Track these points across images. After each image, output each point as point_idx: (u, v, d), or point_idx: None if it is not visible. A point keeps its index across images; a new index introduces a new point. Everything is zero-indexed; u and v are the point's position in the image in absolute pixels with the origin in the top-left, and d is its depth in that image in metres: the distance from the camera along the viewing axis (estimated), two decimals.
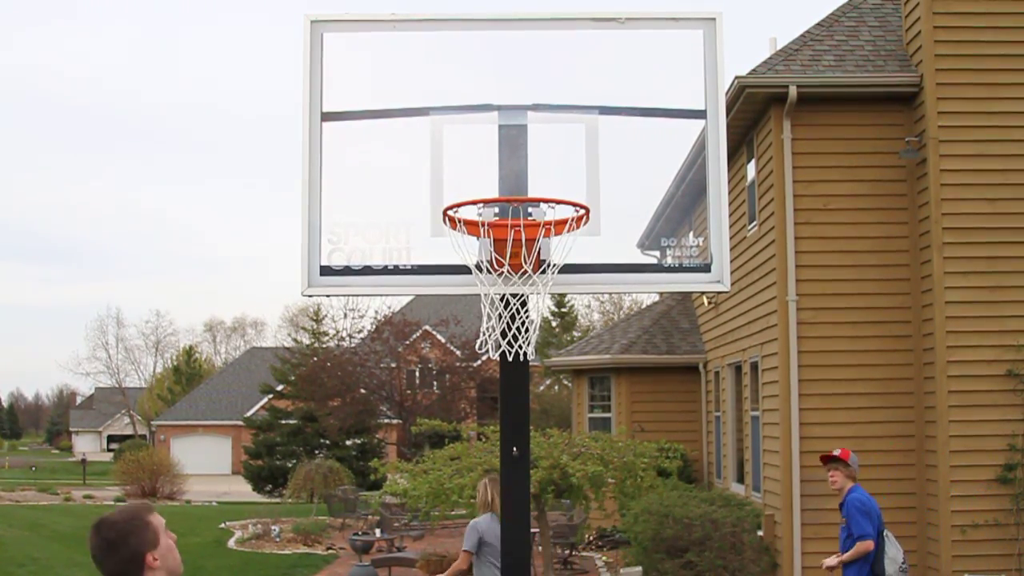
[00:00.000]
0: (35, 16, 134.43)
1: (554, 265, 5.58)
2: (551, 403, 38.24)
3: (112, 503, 35.33)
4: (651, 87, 5.92)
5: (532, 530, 13.08)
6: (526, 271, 5.52)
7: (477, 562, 8.41)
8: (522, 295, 5.59)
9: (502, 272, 5.50)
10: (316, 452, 35.64)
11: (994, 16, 12.96)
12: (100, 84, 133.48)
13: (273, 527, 22.47)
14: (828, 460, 9.02)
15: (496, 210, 5.60)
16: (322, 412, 35.12)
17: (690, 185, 14.79)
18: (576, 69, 6.02)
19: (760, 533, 14.12)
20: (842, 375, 13.46)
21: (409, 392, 35.99)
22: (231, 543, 21.57)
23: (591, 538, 19.68)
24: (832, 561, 8.82)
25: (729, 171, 6.11)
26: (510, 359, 5.58)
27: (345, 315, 39.96)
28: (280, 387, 40.08)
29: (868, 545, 8.55)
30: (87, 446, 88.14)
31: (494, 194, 5.72)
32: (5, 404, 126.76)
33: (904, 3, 14.01)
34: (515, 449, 5.62)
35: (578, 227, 5.59)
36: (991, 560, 12.32)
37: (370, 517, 23.78)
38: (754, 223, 15.37)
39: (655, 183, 6.54)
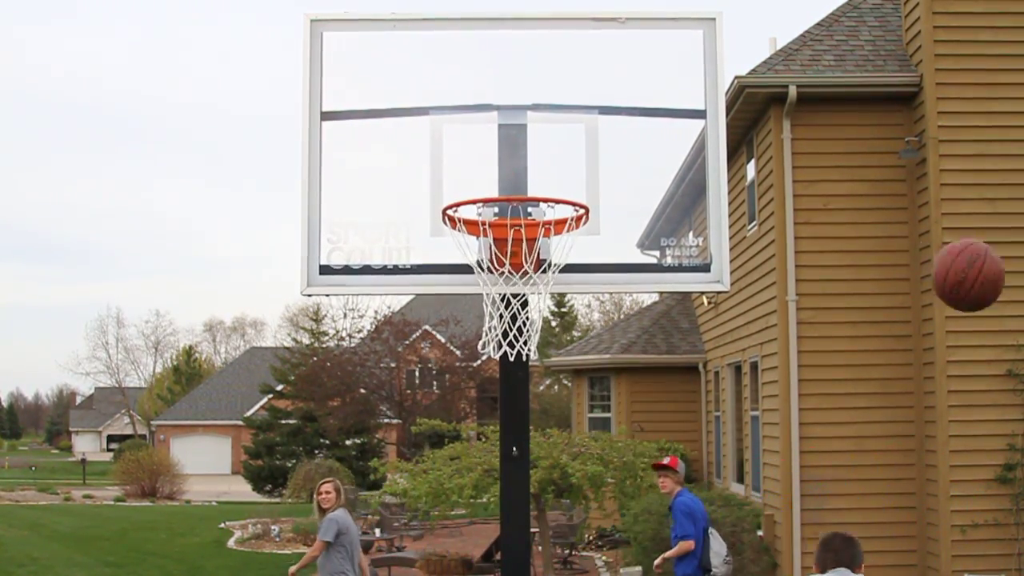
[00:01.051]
0: (35, 16, 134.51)
1: (554, 265, 5.59)
2: (551, 403, 38.24)
3: (112, 503, 35.34)
4: (651, 87, 5.92)
5: (532, 530, 13.09)
6: (526, 271, 5.53)
7: (330, 552, 9.43)
8: (522, 295, 5.59)
9: (502, 271, 5.50)
10: (316, 452, 35.64)
11: (994, 16, 12.95)
12: (100, 84, 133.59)
13: (273, 527, 22.46)
14: (659, 468, 9.91)
15: (496, 209, 5.61)
16: (322, 412, 35.12)
17: (690, 185, 14.83)
18: (576, 69, 6.03)
19: (760, 533, 14.12)
20: (842, 375, 13.46)
21: (409, 392, 36.00)
22: (231, 543, 21.56)
23: (591, 538, 19.68)
24: (659, 560, 9.58)
25: (729, 171, 6.11)
26: (512, 359, 5.58)
27: (345, 315, 39.98)
28: (280, 387, 40.07)
29: (689, 544, 9.31)
30: (87, 446, 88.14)
31: (494, 194, 5.73)
32: (5, 404, 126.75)
33: (904, 3, 14.00)
34: (515, 449, 5.63)
35: (578, 227, 5.60)
36: (991, 560, 12.31)
37: (370, 517, 23.77)
38: (754, 223, 15.37)
39: (655, 183, 6.56)
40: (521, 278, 5.54)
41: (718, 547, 9.49)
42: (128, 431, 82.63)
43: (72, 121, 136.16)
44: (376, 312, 40.92)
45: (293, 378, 37.75)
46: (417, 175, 5.79)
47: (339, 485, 9.79)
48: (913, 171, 13.46)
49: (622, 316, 47.69)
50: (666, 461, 9.86)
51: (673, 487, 9.68)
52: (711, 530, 9.58)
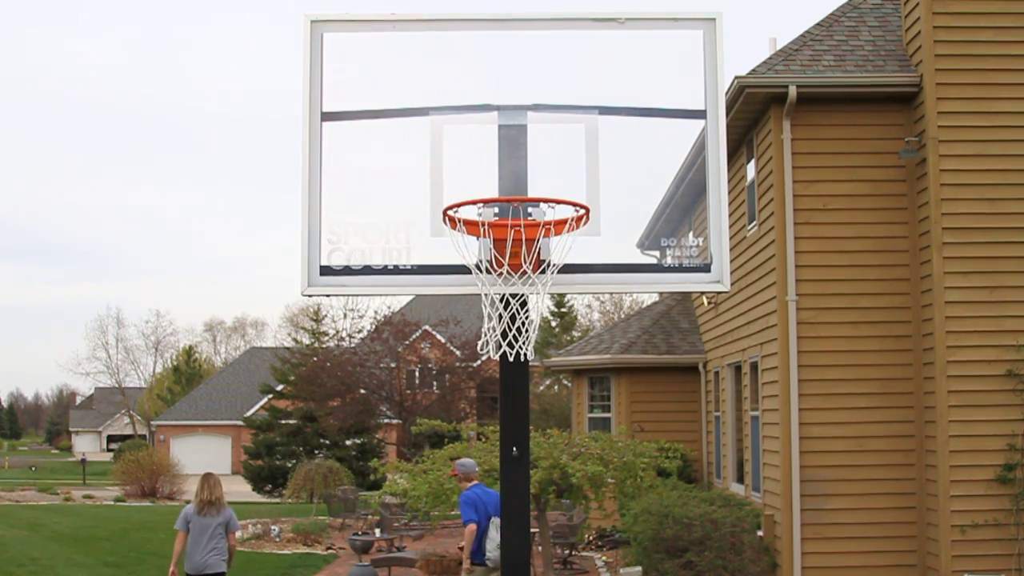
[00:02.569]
0: (35, 17, 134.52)
1: (554, 265, 5.60)
2: (551, 403, 38.23)
3: (112, 503, 35.35)
4: (651, 87, 5.92)
5: (532, 530, 13.09)
6: (525, 271, 5.53)
7: (191, 544, 10.63)
8: (522, 295, 5.60)
9: (502, 272, 5.51)
10: (316, 452, 35.64)
11: (994, 16, 12.95)
12: (100, 84, 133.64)
13: (273, 527, 22.46)
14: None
15: (496, 210, 5.61)
16: (322, 412, 35.13)
17: (690, 185, 14.81)
18: (576, 69, 6.03)
19: (760, 533, 14.12)
20: (842, 375, 13.46)
21: (409, 392, 36.00)
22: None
23: (591, 538, 19.68)
24: (463, 547, 10.85)
25: (729, 171, 6.11)
26: (510, 359, 5.59)
27: (345, 315, 39.99)
28: (280, 387, 40.09)
29: (471, 527, 10.48)
30: (87, 446, 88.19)
31: (494, 194, 5.73)
32: (5, 404, 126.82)
33: (904, 3, 14.01)
34: (515, 449, 5.63)
35: (578, 227, 5.60)
36: (991, 560, 12.32)
37: (370, 517, 23.78)
38: (754, 223, 15.37)
39: (655, 183, 6.55)
40: (520, 278, 5.55)
41: (494, 534, 10.40)
42: (128, 431, 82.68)
43: (72, 121, 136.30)
44: (376, 312, 40.97)
45: (293, 378, 37.76)
46: (417, 175, 5.79)
47: (205, 482, 10.94)
48: (913, 171, 13.47)
49: (622, 316, 47.70)
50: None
51: (462, 484, 11.03)
52: (493, 519, 10.46)
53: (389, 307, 40.87)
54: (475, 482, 10.91)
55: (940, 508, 12.54)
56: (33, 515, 29.30)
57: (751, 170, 15.55)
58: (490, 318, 5.55)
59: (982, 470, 12.48)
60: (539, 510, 14.31)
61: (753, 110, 14.43)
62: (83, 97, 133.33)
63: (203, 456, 59.98)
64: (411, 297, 42.61)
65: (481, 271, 5.58)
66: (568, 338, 48.48)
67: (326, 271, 5.77)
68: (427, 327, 38.84)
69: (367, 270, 5.76)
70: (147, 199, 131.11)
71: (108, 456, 75.59)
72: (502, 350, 5.53)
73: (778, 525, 13.92)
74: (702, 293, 17.37)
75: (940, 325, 12.62)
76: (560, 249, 5.59)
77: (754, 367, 15.65)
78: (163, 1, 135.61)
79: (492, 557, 10.45)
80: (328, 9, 5.92)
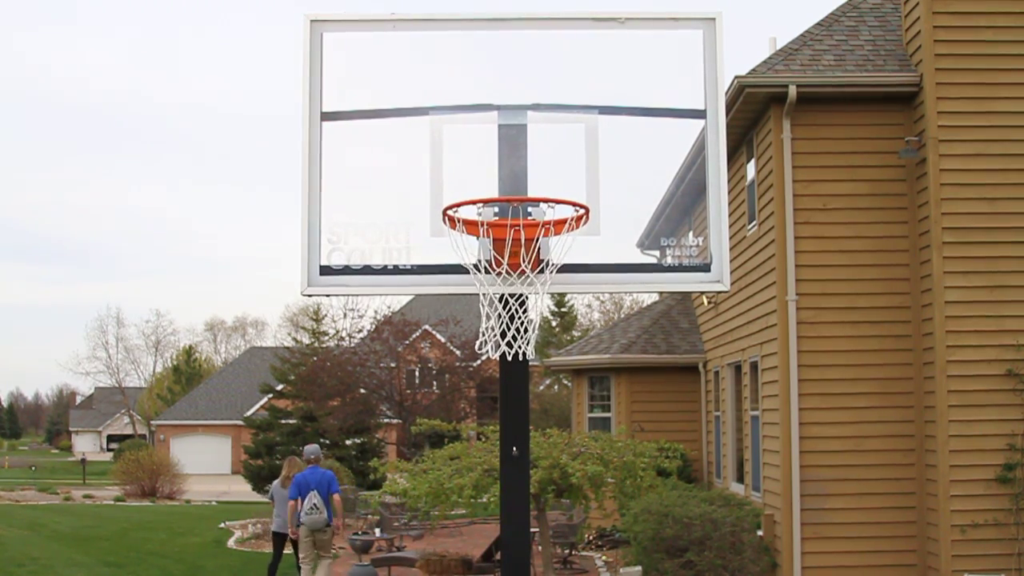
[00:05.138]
0: (36, 17, 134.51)
1: (553, 265, 5.60)
2: (551, 403, 38.23)
3: (112, 503, 35.36)
4: (651, 87, 5.93)
5: (532, 530, 13.08)
6: (525, 271, 5.53)
7: (276, 508, 14.69)
8: (521, 295, 5.60)
9: (501, 272, 5.51)
10: None
11: (994, 16, 12.95)
12: (100, 84, 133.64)
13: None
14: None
15: (496, 210, 5.62)
16: (322, 412, 35.11)
17: (690, 185, 14.78)
18: (576, 69, 6.03)
19: (760, 533, 14.12)
20: (842, 375, 13.46)
21: (409, 392, 35.97)
22: (231, 543, 21.55)
23: (591, 538, 19.68)
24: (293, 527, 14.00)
25: (729, 171, 6.12)
26: (509, 359, 5.59)
27: (345, 315, 39.95)
28: (280, 387, 40.04)
29: (293, 503, 13.74)
30: (87, 446, 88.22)
31: (494, 194, 5.73)
32: (5, 404, 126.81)
33: (904, 3, 14.01)
34: (515, 449, 5.63)
35: (577, 227, 5.60)
36: (991, 560, 12.32)
37: (370, 517, 23.77)
38: (754, 223, 15.37)
39: (655, 183, 6.56)
40: (520, 278, 5.55)
41: (305, 504, 13.61)
42: (128, 431, 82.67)
43: (73, 122, 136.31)
44: (376, 312, 40.97)
45: (293, 378, 37.73)
46: (417, 175, 5.79)
47: (288, 462, 14.70)
48: (913, 171, 13.46)
49: (622, 316, 47.68)
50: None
51: (291, 471, 14.32)
52: (311, 494, 13.58)
53: (389, 307, 40.87)
54: (311, 465, 13.88)
55: (940, 508, 12.54)
56: (33, 515, 29.30)
57: (751, 170, 15.55)
58: (489, 318, 5.56)
59: (982, 470, 12.47)
60: (539, 510, 14.31)
61: (753, 110, 14.43)
62: (84, 97, 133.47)
63: (203, 456, 60.04)
64: (411, 297, 42.62)
65: (480, 271, 5.58)
66: (568, 338, 48.49)
67: (326, 271, 5.77)
68: (427, 327, 38.81)
69: (367, 270, 5.76)
70: (147, 199, 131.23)
71: (108, 456, 75.60)
72: (501, 350, 5.53)
73: (778, 525, 13.92)
74: (702, 293, 17.37)
75: (940, 325, 12.62)
76: (560, 249, 5.60)
77: (754, 367, 15.65)
78: (163, 1, 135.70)
79: (304, 520, 13.64)
80: (328, 9, 5.93)
